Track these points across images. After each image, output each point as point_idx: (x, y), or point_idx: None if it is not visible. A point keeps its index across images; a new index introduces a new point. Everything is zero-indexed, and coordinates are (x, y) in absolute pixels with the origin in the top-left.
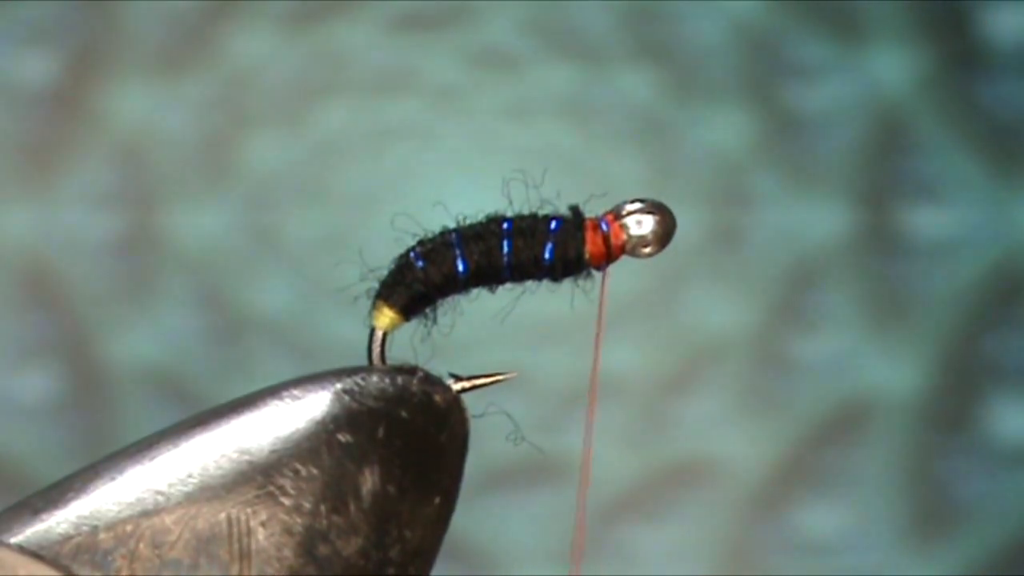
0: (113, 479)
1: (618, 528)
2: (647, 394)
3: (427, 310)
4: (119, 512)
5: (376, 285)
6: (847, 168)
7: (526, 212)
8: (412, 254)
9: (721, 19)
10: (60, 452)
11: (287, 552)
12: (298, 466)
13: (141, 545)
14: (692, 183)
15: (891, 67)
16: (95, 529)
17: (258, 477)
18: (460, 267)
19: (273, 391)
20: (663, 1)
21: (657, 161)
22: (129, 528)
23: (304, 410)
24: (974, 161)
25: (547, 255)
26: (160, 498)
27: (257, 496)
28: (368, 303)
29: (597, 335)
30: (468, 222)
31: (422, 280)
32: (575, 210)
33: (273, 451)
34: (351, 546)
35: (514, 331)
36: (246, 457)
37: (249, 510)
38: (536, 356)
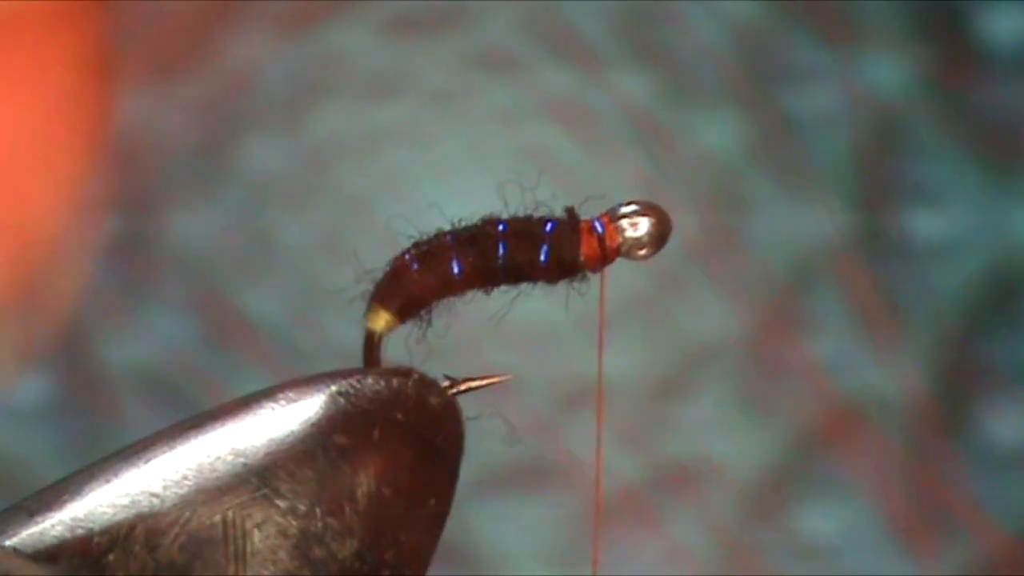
0: (108, 481)
1: (614, 531)
2: (643, 397)
3: (422, 312)
4: (114, 515)
5: (371, 287)
6: (844, 171)
7: (521, 214)
8: (407, 256)
9: (717, 22)
10: (55, 455)
11: (282, 554)
12: (293, 468)
13: (136, 547)
14: (688, 186)
15: (888, 70)
16: (90, 532)
17: (253, 479)
18: (455, 269)
19: (268, 393)
20: (659, 3)
21: (653, 164)
22: (124, 531)
23: (299, 412)
24: (971, 164)
25: (543, 257)
26: (155, 500)
27: (252, 498)
28: (363, 305)
29: (600, 338)
30: (463, 224)
31: (417, 282)
32: (570, 212)
33: (268, 453)
34: (346, 548)
35: (510, 334)
36: (241, 459)
37: (244, 512)
38: (532, 359)
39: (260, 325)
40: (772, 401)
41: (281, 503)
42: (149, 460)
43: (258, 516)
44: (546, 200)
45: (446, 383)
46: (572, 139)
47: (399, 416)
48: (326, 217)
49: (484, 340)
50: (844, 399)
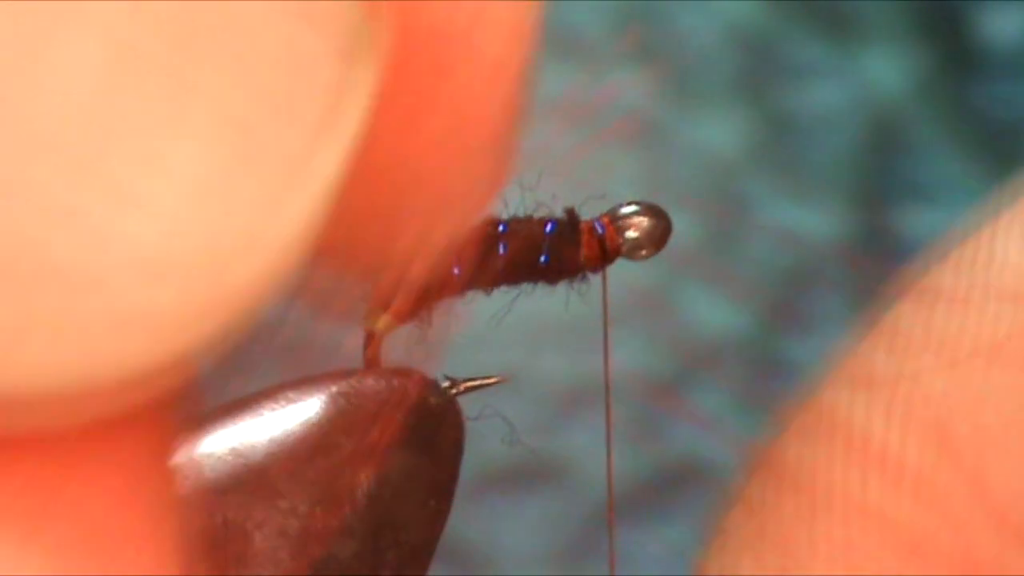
0: None
1: (614, 529)
2: (642, 397)
3: (422, 312)
4: None
5: (371, 287)
6: (843, 170)
7: (521, 214)
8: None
9: (717, 21)
10: None
11: (282, 555)
12: (293, 468)
13: None
14: (688, 185)
15: (887, 69)
16: None
17: (253, 480)
18: (455, 269)
19: (268, 393)
20: (659, 3)
21: (653, 163)
22: None
23: (299, 412)
24: (970, 164)
25: (543, 258)
26: None
27: (252, 499)
28: (363, 305)
29: (605, 339)
30: None
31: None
32: (571, 212)
33: (268, 453)
34: (346, 549)
35: (510, 333)
36: (241, 460)
37: (244, 513)
38: (532, 358)
39: (262, 325)
40: (772, 401)
41: (281, 503)
42: None
43: (258, 516)
44: (546, 200)
45: (446, 383)
46: (572, 139)
47: (399, 416)
48: None
49: (484, 340)
50: None
